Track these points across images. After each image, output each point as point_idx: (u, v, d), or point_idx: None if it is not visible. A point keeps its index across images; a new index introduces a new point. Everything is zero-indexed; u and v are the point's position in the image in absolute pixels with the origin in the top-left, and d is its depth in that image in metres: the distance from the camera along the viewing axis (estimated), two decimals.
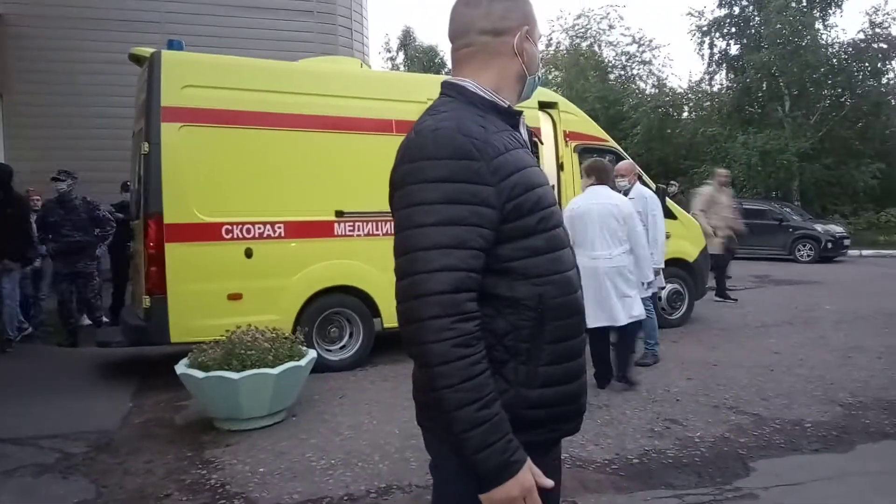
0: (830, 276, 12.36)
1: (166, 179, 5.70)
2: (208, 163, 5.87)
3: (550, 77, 31.76)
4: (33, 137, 10.62)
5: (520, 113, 1.54)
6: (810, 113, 24.36)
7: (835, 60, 24.00)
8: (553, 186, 6.53)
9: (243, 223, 5.96)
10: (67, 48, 10.93)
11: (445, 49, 35.23)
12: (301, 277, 6.20)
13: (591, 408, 4.92)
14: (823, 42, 24.16)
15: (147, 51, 6.06)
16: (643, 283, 5.59)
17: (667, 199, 7.93)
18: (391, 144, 1.42)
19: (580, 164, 7.84)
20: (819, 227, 16.95)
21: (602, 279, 5.21)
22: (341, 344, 6.51)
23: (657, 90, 29.81)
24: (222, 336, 4.73)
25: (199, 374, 4.52)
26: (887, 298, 10.22)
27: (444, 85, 1.52)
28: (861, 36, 24.00)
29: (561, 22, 51.42)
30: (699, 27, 26.91)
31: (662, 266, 6.30)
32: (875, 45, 23.71)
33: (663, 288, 7.33)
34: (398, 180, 1.37)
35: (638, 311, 5.39)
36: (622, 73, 31.69)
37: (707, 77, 28.25)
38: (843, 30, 47.32)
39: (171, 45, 6.08)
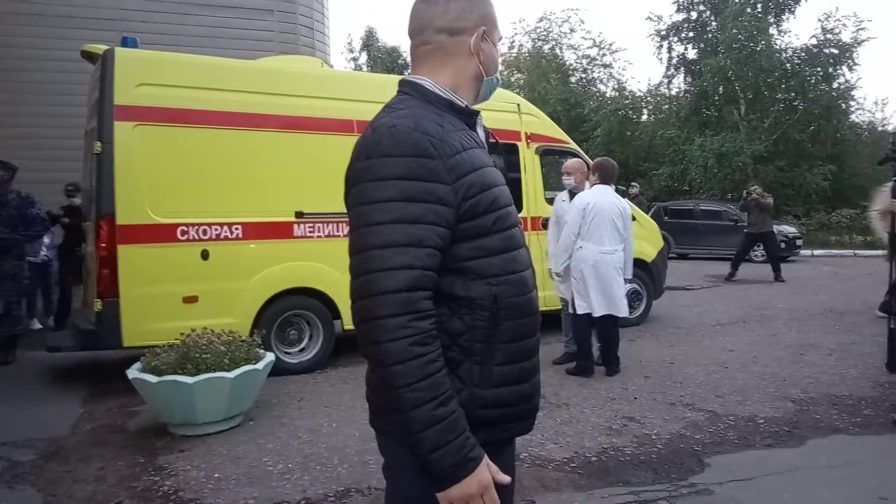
0: (783, 276, 12.69)
1: (119, 179, 5.55)
2: (164, 163, 5.74)
3: (513, 79, 32.02)
4: None
5: (477, 113, 1.54)
6: (765, 116, 25.03)
7: (788, 65, 24.70)
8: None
9: (199, 224, 5.84)
10: (20, 45, 10.57)
11: (408, 50, 35.10)
12: (259, 279, 6.10)
13: (551, 406, 4.97)
14: (777, 47, 24.84)
15: (100, 48, 5.90)
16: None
17: (626, 200, 8.03)
18: (352, 145, 1.40)
19: (541, 165, 7.93)
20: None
21: (609, 271, 5.68)
22: (301, 346, 6.43)
23: (617, 93, 30.31)
24: (177, 339, 4.63)
25: (153, 378, 4.41)
26: (838, 297, 10.53)
27: (402, 83, 1.52)
28: (813, 41, 24.76)
29: (523, 25, 52.02)
30: (658, 31, 27.54)
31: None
32: (826, 51, 24.44)
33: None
34: (354, 177, 1.36)
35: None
36: (583, 76, 32.14)
37: (666, 81, 29.01)
38: (797, 35, 48.89)
39: (126, 43, 5.92)
